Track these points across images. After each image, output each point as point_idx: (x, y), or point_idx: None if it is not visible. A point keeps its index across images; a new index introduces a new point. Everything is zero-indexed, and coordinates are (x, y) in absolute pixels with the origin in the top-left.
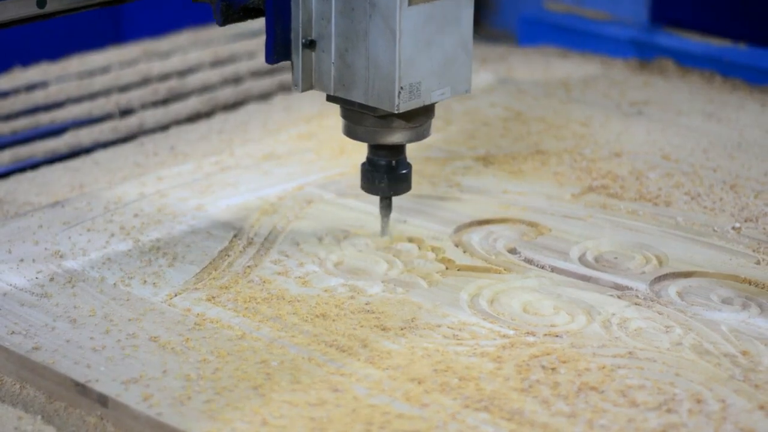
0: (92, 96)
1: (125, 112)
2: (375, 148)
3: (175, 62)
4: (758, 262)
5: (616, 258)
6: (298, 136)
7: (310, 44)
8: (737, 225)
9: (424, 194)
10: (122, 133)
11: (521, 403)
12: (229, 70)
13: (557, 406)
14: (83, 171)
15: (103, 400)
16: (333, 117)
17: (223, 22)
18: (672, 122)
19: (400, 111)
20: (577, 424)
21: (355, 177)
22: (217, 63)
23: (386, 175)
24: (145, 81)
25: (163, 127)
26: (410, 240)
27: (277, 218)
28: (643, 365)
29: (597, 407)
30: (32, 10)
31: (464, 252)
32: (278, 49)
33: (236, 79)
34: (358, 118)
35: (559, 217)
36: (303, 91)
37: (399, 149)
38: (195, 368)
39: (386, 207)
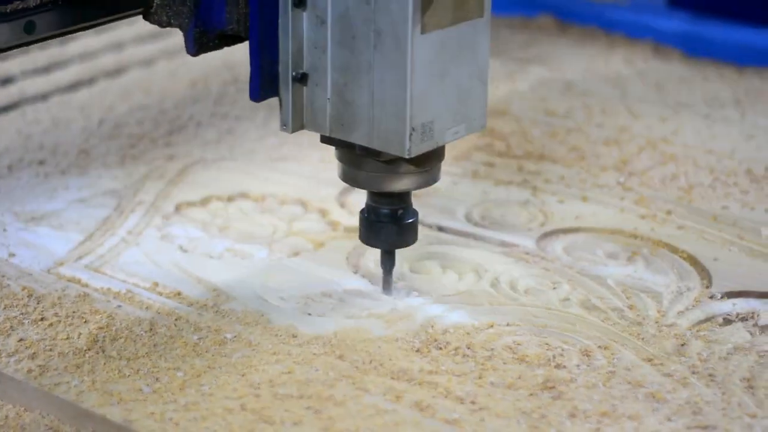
0: None
1: (6, 81)
2: (377, 195)
3: None
4: (643, 216)
5: (502, 216)
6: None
7: (302, 78)
8: (621, 179)
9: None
10: (3, 103)
11: (410, 363)
12: (110, 36)
13: (446, 366)
14: None
15: None
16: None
17: (197, 52)
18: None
19: (412, 155)
20: (467, 383)
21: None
22: (98, 31)
23: (390, 225)
24: (24, 50)
25: (44, 96)
26: (297, 202)
27: (161, 184)
28: (532, 322)
29: (486, 365)
30: (21, 36)
31: (350, 213)
32: (265, 83)
33: (118, 45)
34: (358, 161)
35: (444, 176)
36: (293, 131)
37: (404, 196)
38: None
39: (388, 261)
